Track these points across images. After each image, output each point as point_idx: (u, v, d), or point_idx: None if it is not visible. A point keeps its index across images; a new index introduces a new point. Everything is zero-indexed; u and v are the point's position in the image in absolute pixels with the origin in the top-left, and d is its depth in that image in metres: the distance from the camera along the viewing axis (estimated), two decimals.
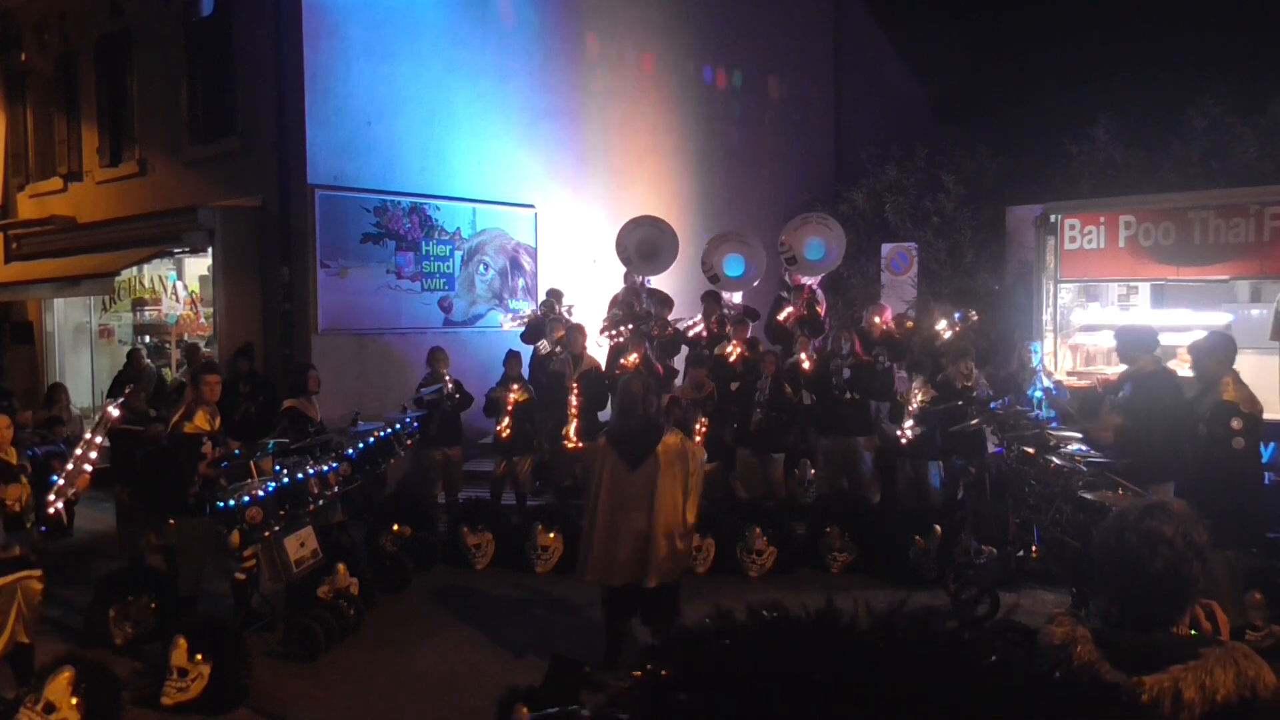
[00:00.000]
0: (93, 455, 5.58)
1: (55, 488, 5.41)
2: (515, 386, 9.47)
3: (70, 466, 5.50)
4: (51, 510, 5.37)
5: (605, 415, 10.02)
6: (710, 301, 10.75)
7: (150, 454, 7.62)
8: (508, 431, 9.38)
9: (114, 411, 5.90)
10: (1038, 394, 8.48)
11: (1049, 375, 8.91)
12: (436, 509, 9.27)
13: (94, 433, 5.68)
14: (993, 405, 7.69)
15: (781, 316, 10.71)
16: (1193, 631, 2.12)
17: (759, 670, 0.93)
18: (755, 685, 0.92)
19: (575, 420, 9.37)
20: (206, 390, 6.77)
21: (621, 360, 9.60)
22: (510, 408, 9.37)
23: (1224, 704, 1.90)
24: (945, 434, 8.36)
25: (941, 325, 9.86)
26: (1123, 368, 6.94)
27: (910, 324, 10.60)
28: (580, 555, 5.85)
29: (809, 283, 10.89)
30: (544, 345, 10.18)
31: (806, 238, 11.22)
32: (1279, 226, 9.44)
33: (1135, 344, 6.55)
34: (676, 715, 0.95)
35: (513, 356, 9.67)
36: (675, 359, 10.69)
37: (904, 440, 8.57)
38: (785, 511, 8.79)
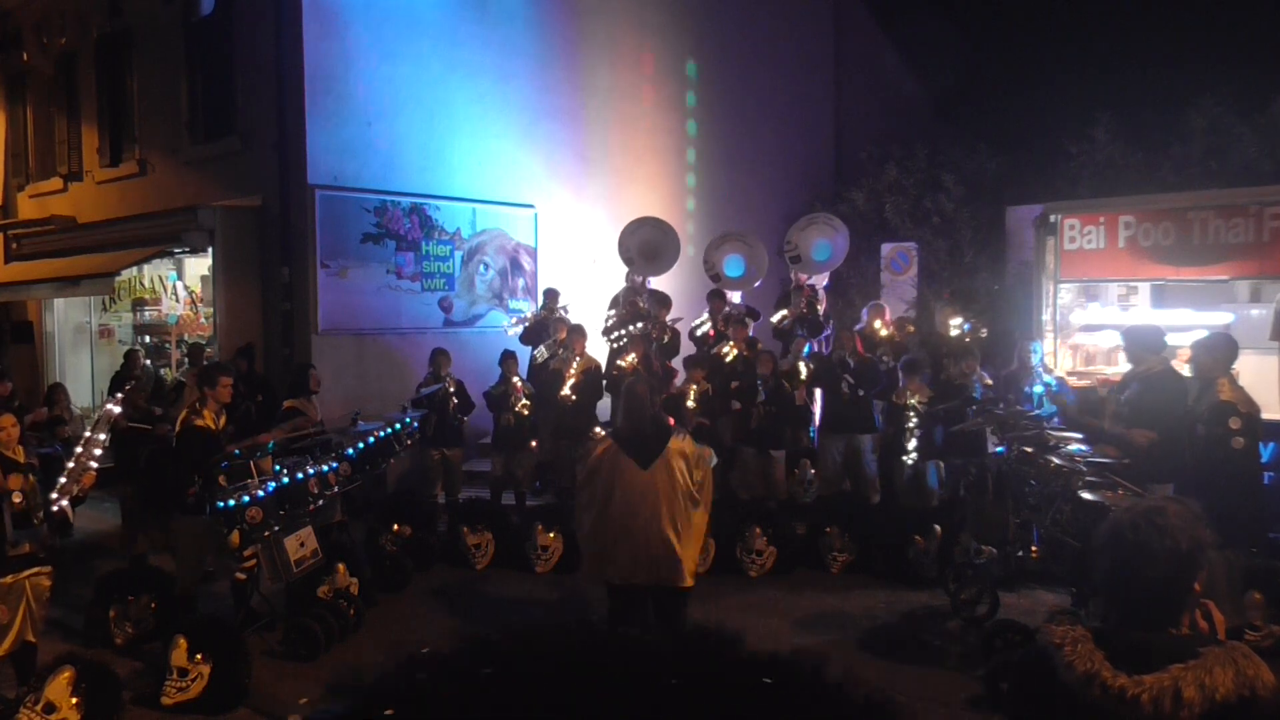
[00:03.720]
0: (96, 453, 5.57)
1: (60, 486, 5.41)
2: (516, 382, 9.51)
3: (73, 465, 5.50)
4: (56, 508, 5.37)
5: (603, 415, 10.05)
6: (716, 300, 10.76)
7: (156, 453, 7.62)
8: (526, 410, 9.47)
9: (114, 409, 5.89)
10: (1038, 389, 8.49)
11: (1049, 372, 8.89)
12: (436, 509, 9.28)
13: (96, 430, 5.66)
14: (987, 405, 7.68)
15: (776, 318, 10.74)
16: (1189, 632, 2.12)
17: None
18: None
19: (574, 379, 9.48)
20: (222, 392, 6.78)
21: (620, 361, 9.60)
22: (520, 393, 9.42)
23: (1223, 703, 1.90)
24: (946, 434, 8.37)
25: (955, 322, 9.86)
26: (1127, 367, 6.94)
27: (911, 327, 10.61)
28: (588, 558, 5.84)
29: (812, 282, 10.92)
30: (542, 352, 10.19)
31: (813, 238, 11.27)
32: (1279, 226, 9.44)
33: (1142, 344, 6.55)
34: None
35: (508, 356, 9.70)
36: (677, 358, 10.71)
37: (913, 453, 8.58)
38: (785, 511, 8.79)
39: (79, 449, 5.57)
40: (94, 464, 5.54)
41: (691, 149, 14.81)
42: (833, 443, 9.29)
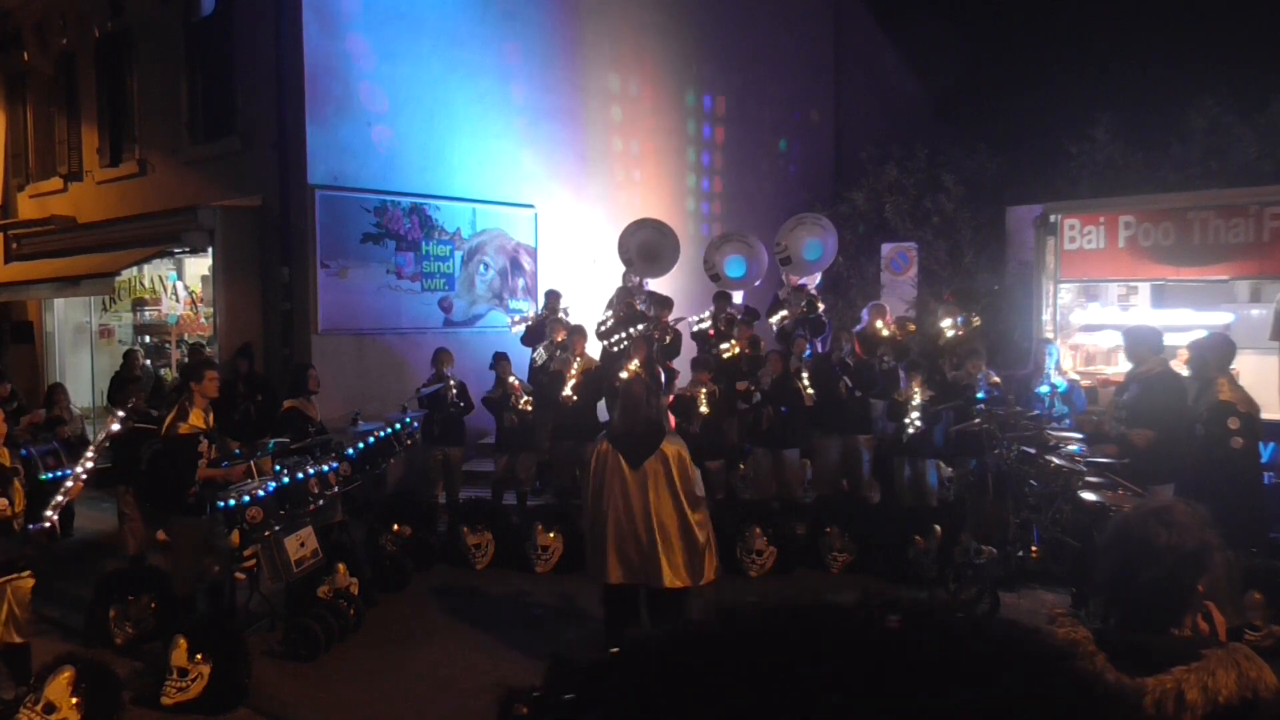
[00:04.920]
0: (88, 467, 5.58)
1: (53, 503, 5.38)
2: (513, 381, 9.49)
3: (70, 482, 5.50)
4: (48, 524, 5.31)
5: (603, 415, 10.05)
6: (721, 300, 10.77)
7: (159, 453, 7.60)
8: (529, 406, 9.45)
9: (116, 427, 5.91)
10: (1044, 389, 8.48)
11: (1062, 374, 8.86)
12: (436, 509, 9.28)
13: (95, 449, 5.69)
14: (990, 404, 7.68)
15: (775, 320, 10.73)
16: (1190, 633, 2.11)
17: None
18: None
19: (574, 380, 9.44)
20: (209, 386, 6.75)
21: (623, 364, 9.58)
22: (519, 392, 9.40)
23: (1226, 706, 1.89)
24: (951, 433, 8.36)
25: (946, 323, 9.89)
26: (1127, 368, 6.94)
27: (912, 327, 10.61)
28: (588, 557, 5.86)
29: (804, 283, 10.92)
30: (541, 354, 10.18)
31: (803, 239, 11.28)
32: (1279, 226, 9.44)
33: (1142, 345, 6.55)
34: None
35: (501, 357, 9.68)
36: (681, 357, 10.69)
37: (911, 430, 8.54)
38: (785, 511, 8.79)
39: (78, 468, 5.57)
40: (84, 477, 5.55)
41: (691, 149, 14.81)
42: (829, 443, 9.29)
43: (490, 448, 10.20)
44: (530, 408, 9.48)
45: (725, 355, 9.79)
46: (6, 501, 5.20)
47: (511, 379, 9.54)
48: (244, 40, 11.71)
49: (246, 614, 6.89)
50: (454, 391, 9.35)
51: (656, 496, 5.52)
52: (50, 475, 5.76)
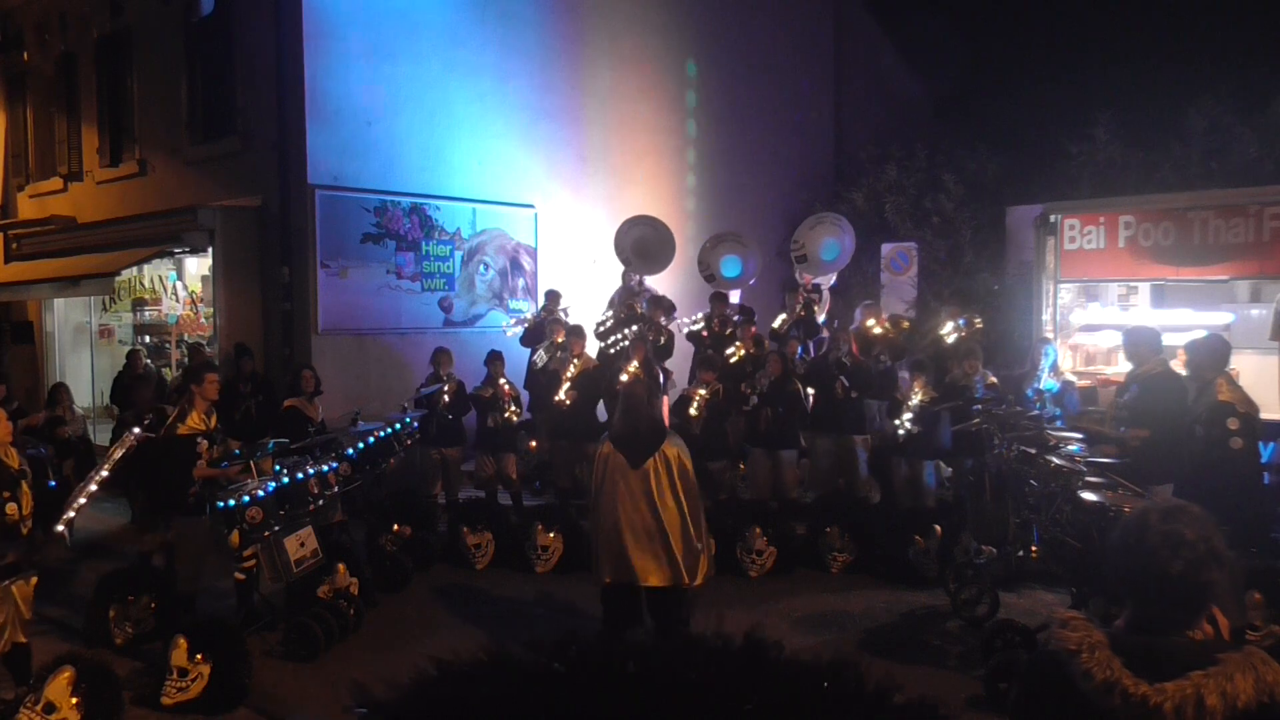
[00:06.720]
0: (95, 485, 5.57)
1: (63, 519, 5.37)
2: (504, 385, 9.46)
3: (79, 495, 5.50)
4: (59, 528, 5.30)
5: (602, 416, 10.04)
6: (718, 302, 10.76)
7: (156, 453, 7.59)
8: (515, 417, 9.41)
9: (132, 441, 5.92)
10: (1031, 392, 8.49)
11: (1058, 376, 8.86)
12: (436, 509, 9.27)
13: (105, 465, 5.68)
14: (989, 405, 7.68)
15: (777, 323, 10.72)
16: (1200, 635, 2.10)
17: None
18: None
19: (568, 383, 9.44)
20: (209, 389, 6.77)
21: (622, 365, 9.58)
22: (508, 398, 9.38)
23: (1244, 710, 1.88)
24: (949, 433, 8.36)
25: (947, 329, 9.88)
26: (1127, 368, 6.95)
27: (906, 324, 10.60)
28: (592, 557, 5.87)
29: (819, 282, 10.90)
30: (541, 356, 10.17)
31: (822, 238, 11.26)
32: (1279, 226, 9.44)
33: (1142, 345, 6.55)
34: None
35: (495, 357, 9.66)
36: (677, 359, 10.68)
37: (901, 432, 8.53)
38: (785, 511, 8.79)
39: (88, 483, 5.57)
40: (94, 487, 5.55)
41: (691, 149, 14.81)
42: (824, 443, 9.29)
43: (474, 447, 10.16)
44: (516, 418, 9.43)
45: (732, 359, 9.77)
46: (16, 506, 5.20)
47: (502, 381, 9.49)
48: (244, 40, 11.71)
49: (249, 613, 6.88)
50: (445, 399, 9.26)
51: (658, 496, 5.53)
52: (54, 483, 5.71)
